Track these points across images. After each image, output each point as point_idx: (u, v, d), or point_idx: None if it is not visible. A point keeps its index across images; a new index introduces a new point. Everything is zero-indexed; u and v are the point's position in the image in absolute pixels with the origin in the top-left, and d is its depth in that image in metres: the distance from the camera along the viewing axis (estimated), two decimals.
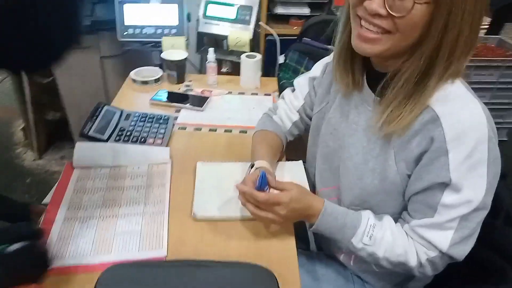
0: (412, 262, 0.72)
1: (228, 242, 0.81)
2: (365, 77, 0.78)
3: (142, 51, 1.76)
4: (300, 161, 1.01)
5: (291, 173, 0.97)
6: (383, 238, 0.73)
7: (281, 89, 1.46)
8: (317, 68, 0.95)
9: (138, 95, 1.37)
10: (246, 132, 1.18)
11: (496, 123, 0.67)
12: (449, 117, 0.64)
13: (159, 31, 1.54)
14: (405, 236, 0.73)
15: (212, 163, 1.01)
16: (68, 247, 0.78)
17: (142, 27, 1.54)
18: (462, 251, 0.69)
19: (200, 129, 1.19)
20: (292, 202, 0.74)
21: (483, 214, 0.68)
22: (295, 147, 1.10)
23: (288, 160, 1.04)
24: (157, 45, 1.61)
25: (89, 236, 0.81)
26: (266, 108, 1.29)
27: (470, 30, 0.61)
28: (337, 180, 0.86)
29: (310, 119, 0.98)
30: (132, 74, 1.43)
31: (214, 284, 0.71)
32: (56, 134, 2.30)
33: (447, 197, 0.66)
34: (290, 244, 0.81)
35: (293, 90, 1.01)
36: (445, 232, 0.67)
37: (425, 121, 0.66)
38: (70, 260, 0.76)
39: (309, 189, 0.91)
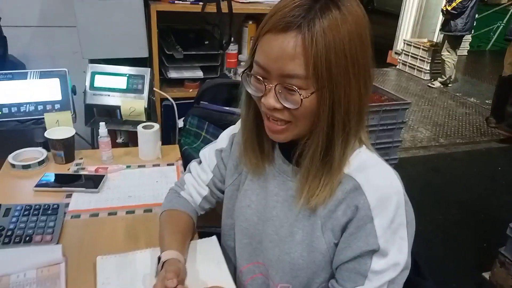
0: None
1: None
2: (278, 150, 0.79)
3: (17, 129, 1.58)
4: (214, 237, 0.95)
5: (205, 253, 0.90)
6: None
7: (183, 155, 1.41)
8: (223, 139, 0.92)
9: (19, 182, 1.20)
10: (151, 211, 1.09)
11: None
12: (370, 185, 0.68)
13: (40, 107, 1.40)
14: None
15: (114, 256, 0.90)
16: None
17: (20, 105, 1.38)
18: None
19: (97, 215, 1.07)
20: None
21: (407, 273, 0.70)
22: (205, 215, 1.04)
23: (199, 229, 0.97)
24: (39, 122, 1.46)
25: None
26: (171, 179, 1.23)
27: (358, 102, 0.65)
28: (260, 255, 0.82)
29: (221, 191, 0.95)
30: (10, 158, 1.25)
31: None
32: None
33: (376, 263, 0.67)
34: None
35: (200, 162, 0.97)
36: None
37: (348, 190, 0.69)
38: None
39: (227, 268, 0.86)
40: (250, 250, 0.85)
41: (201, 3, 1.84)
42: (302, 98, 0.62)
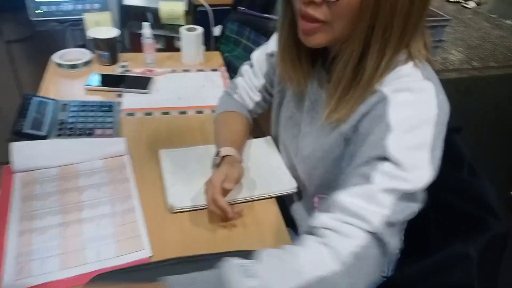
0: (328, 269, 0.51)
1: (214, 232, 0.76)
2: (319, 63, 0.75)
3: (55, 31, 1.55)
4: (269, 137, 0.98)
5: (264, 150, 0.94)
6: (272, 265, 0.53)
7: (225, 63, 1.40)
8: (274, 43, 0.88)
9: (68, 81, 1.21)
10: (202, 112, 1.11)
11: None
12: (397, 93, 0.60)
13: (79, 6, 1.36)
14: (302, 249, 0.55)
15: (176, 150, 0.93)
16: (31, 264, 0.67)
17: (58, 3, 1.34)
18: (394, 240, 0.55)
19: (151, 114, 1.09)
20: None
21: (415, 209, 0.58)
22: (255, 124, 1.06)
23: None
24: (77, 23, 1.42)
25: (55, 248, 0.70)
26: (216, 85, 1.24)
27: (408, 8, 0.57)
28: (296, 167, 0.84)
29: (271, 96, 0.95)
30: (56, 57, 1.25)
31: None
32: None
33: (385, 166, 0.56)
34: (279, 225, 0.79)
35: (251, 66, 0.95)
36: (376, 206, 0.54)
37: (373, 102, 0.62)
38: (38, 279, 0.65)
39: (285, 166, 0.89)
40: (289, 162, 0.88)
41: None
42: None
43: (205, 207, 0.79)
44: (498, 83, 3.26)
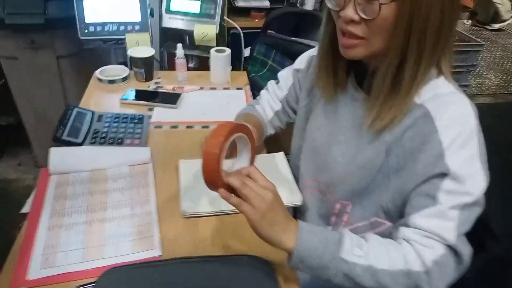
0: (416, 267, 0.63)
1: (222, 237, 0.82)
2: (352, 77, 0.80)
3: (100, 48, 1.71)
4: (282, 153, 1.03)
5: (274, 164, 1.00)
6: (374, 247, 0.66)
7: (251, 83, 1.48)
8: (302, 61, 0.96)
9: (106, 95, 1.33)
10: None
11: None
12: (440, 111, 0.66)
13: (122, 27, 1.50)
14: (398, 245, 0.67)
15: (194, 161, 1.01)
16: (56, 256, 0.76)
17: (104, 24, 1.48)
18: (467, 249, 0.64)
19: (177, 127, 1.18)
20: (277, 201, 0.66)
21: (478, 212, 0.65)
22: (273, 141, 1.12)
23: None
24: (120, 42, 1.57)
25: (78, 243, 0.79)
26: (240, 102, 1.31)
27: (438, 25, 0.63)
28: (322, 174, 0.87)
29: (293, 111, 1.01)
30: (97, 73, 1.39)
31: (212, 277, 0.72)
32: (10, 140, 2.17)
33: (447, 185, 0.64)
34: None
35: (277, 82, 1.03)
36: (448, 222, 0.63)
37: (416, 116, 0.68)
38: (60, 269, 0.74)
39: (293, 180, 0.94)
40: (313, 168, 0.91)
41: None
42: (381, 3, 0.61)
43: (215, 214, 0.86)
44: None
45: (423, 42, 0.64)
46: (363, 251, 0.65)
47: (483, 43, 2.54)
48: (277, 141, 1.15)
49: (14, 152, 2.18)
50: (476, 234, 0.69)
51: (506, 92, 3.37)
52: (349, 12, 0.64)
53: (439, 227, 0.63)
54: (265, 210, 0.63)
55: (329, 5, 0.69)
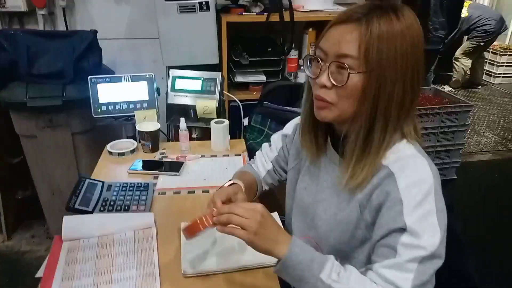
0: None
1: None
2: (329, 140, 0.91)
3: (111, 125, 1.86)
4: (275, 213, 1.11)
5: None
6: (350, 277, 0.74)
7: (248, 149, 1.59)
8: (289, 127, 1.09)
9: (116, 166, 1.45)
10: None
11: (444, 163, 0.80)
12: (401, 172, 0.75)
13: (131, 106, 1.66)
14: (370, 282, 0.74)
15: None
16: None
17: (115, 104, 1.65)
18: None
19: (179, 193, 1.28)
20: (265, 218, 0.76)
21: (438, 264, 0.72)
22: (268, 202, 1.21)
23: None
24: (129, 118, 1.72)
25: None
26: (238, 167, 1.41)
27: (402, 96, 0.74)
28: (312, 231, 0.94)
29: (283, 170, 1.11)
30: (108, 147, 1.52)
31: None
32: (25, 213, 2.27)
33: (405, 239, 0.72)
34: None
35: (270, 145, 1.15)
36: (406, 274, 0.70)
37: (382, 177, 0.77)
38: None
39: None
40: (304, 226, 0.99)
41: (265, 13, 2.03)
42: (350, 73, 0.72)
43: (213, 273, 0.92)
44: None
45: (388, 111, 0.75)
46: (339, 277, 0.73)
47: (472, 104, 2.68)
48: (275, 200, 1.24)
49: (28, 225, 2.27)
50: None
51: (504, 149, 3.44)
52: (323, 79, 0.76)
53: (397, 278, 0.71)
54: (256, 229, 0.74)
55: (307, 73, 0.82)
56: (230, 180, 1.03)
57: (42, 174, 1.98)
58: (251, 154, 1.55)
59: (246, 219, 0.75)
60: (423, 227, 0.71)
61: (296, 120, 1.08)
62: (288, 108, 1.73)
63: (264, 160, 1.14)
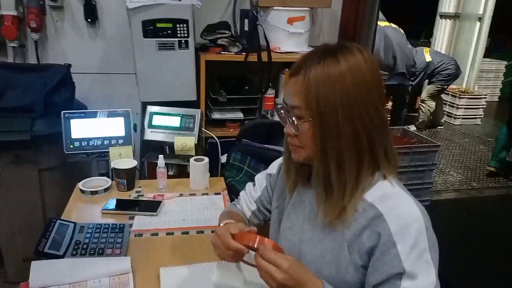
0: None
1: None
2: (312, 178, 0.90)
3: (82, 161, 1.78)
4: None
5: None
6: None
7: (227, 187, 1.56)
8: (273, 167, 1.08)
9: (88, 205, 1.37)
10: (203, 232, 1.23)
11: None
12: (391, 213, 0.76)
13: (106, 142, 1.60)
14: None
15: (175, 268, 1.03)
16: None
17: (89, 139, 1.59)
18: None
19: (157, 234, 1.21)
20: (292, 269, 0.74)
21: None
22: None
23: None
24: (102, 155, 1.65)
25: None
26: (218, 207, 1.38)
27: (352, 139, 0.76)
28: None
29: (268, 210, 1.08)
30: (80, 185, 1.44)
31: None
32: None
33: (405, 284, 0.73)
34: None
35: (254, 185, 1.12)
36: None
37: (370, 217, 0.77)
38: None
39: None
40: None
41: (244, 53, 2.06)
42: (298, 124, 0.78)
43: None
44: (499, 202, 3.32)
45: (340, 153, 0.76)
46: None
47: (439, 144, 2.79)
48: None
49: None
50: None
51: (469, 187, 3.58)
52: (287, 128, 0.83)
53: None
54: (281, 283, 0.73)
55: (280, 121, 0.87)
56: (223, 221, 0.98)
57: (3, 213, 1.84)
58: (231, 192, 1.52)
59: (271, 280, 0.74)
60: (419, 267, 0.73)
61: (281, 160, 1.07)
62: (267, 146, 1.73)
63: (249, 201, 1.11)
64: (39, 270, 0.97)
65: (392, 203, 0.77)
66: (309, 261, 0.87)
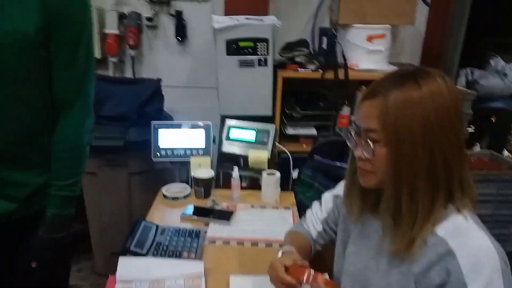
0: None
1: None
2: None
3: (167, 168, 1.94)
4: (326, 274, 1.08)
5: None
6: None
7: (298, 204, 1.59)
8: (341, 188, 1.07)
9: (169, 209, 1.50)
10: (271, 246, 1.27)
11: (501, 234, 0.75)
12: (463, 250, 0.72)
13: (188, 152, 1.73)
14: None
15: (244, 276, 1.09)
16: None
17: (174, 149, 1.73)
18: None
19: (229, 243, 1.29)
20: None
21: None
22: (315, 262, 1.18)
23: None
24: (184, 164, 1.79)
25: None
26: (287, 222, 1.42)
27: (427, 166, 0.73)
28: None
29: (333, 231, 1.09)
30: (163, 190, 1.58)
31: None
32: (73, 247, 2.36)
33: None
34: None
35: (321, 204, 1.14)
36: None
37: (441, 253, 0.74)
38: None
39: None
40: None
41: (321, 70, 2.09)
42: (373, 148, 0.76)
43: None
44: None
45: (413, 181, 0.74)
46: None
47: None
48: (323, 260, 1.21)
49: (75, 258, 2.34)
50: None
51: None
52: (358, 152, 0.81)
53: None
54: None
55: (348, 144, 0.85)
56: (283, 246, 1.02)
57: (96, 210, 2.07)
58: (300, 208, 1.55)
59: None
60: None
61: None
62: (339, 163, 1.73)
63: (315, 221, 1.13)
64: (126, 265, 1.09)
65: (465, 240, 0.74)
66: None
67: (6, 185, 1.00)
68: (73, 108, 1.02)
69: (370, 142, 0.77)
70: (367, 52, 2.16)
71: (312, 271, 0.86)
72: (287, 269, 0.89)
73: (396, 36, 2.43)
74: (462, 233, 0.74)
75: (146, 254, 1.17)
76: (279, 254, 0.99)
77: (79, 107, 1.03)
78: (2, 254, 1.05)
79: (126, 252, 1.16)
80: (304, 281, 0.84)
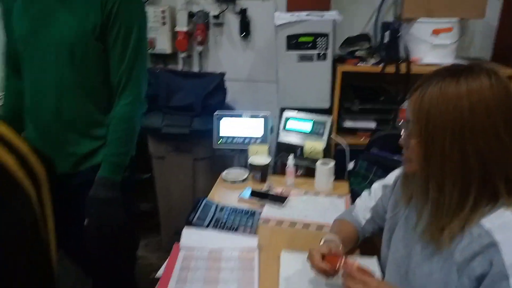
0: None
1: None
2: None
3: (227, 154, 2.08)
4: (375, 257, 1.12)
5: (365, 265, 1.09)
6: None
7: (352, 194, 1.63)
8: (390, 178, 1.12)
9: (228, 191, 1.62)
10: (322, 229, 1.34)
11: None
12: (507, 244, 0.73)
13: (246, 140, 1.85)
14: None
15: (295, 252, 1.17)
16: None
17: (234, 138, 1.85)
18: None
19: (281, 223, 1.37)
20: (380, 285, 0.83)
21: None
22: (366, 246, 1.23)
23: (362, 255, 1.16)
24: (243, 151, 1.91)
25: None
26: (338, 209, 1.46)
27: (460, 163, 0.76)
28: (404, 284, 0.93)
29: (381, 220, 1.13)
30: (223, 174, 1.71)
31: None
32: (144, 223, 2.60)
33: None
34: None
35: (370, 193, 1.19)
36: None
37: (485, 244, 0.75)
38: None
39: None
40: (396, 278, 0.98)
41: (381, 64, 2.09)
42: (409, 137, 0.81)
43: None
44: None
45: (442, 174, 0.77)
46: None
47: None
48: (373, 245, 1.25)
49: (144, 234, 2.57)
50: None
51: None
52: (401, 140, 0.88)
53: None
54: None
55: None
56: (326, 235, 1.10)
57: (164, 191, 2.27)
58: (354, 198, 1.58)
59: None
60: None
61: (398, 171, 1.11)
62: (394, 157, 1.74)
63: (363, 209, 1.18)
64: (189, 235, 1.22)
65: (510, 234, 0.74)
66: (417, 276, 0.89)
67: (70, 145, 1.27)
68: (126, 92, 1.24)
69: (404, 132, 0.84)
70: (432, 46, 2.12)
71: (344, 259, 0.93)
72: (324, 256, 0.97)
73: (465, 29, 2.34)
74: (508, 228, 0.75)
75: (206, 227, 1.30)
76: (321, 242, 1.06)
77: (131, 92, 1.24)
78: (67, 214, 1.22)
79: (189, 225, 1.30)
80: (338, 268, 0.92)
